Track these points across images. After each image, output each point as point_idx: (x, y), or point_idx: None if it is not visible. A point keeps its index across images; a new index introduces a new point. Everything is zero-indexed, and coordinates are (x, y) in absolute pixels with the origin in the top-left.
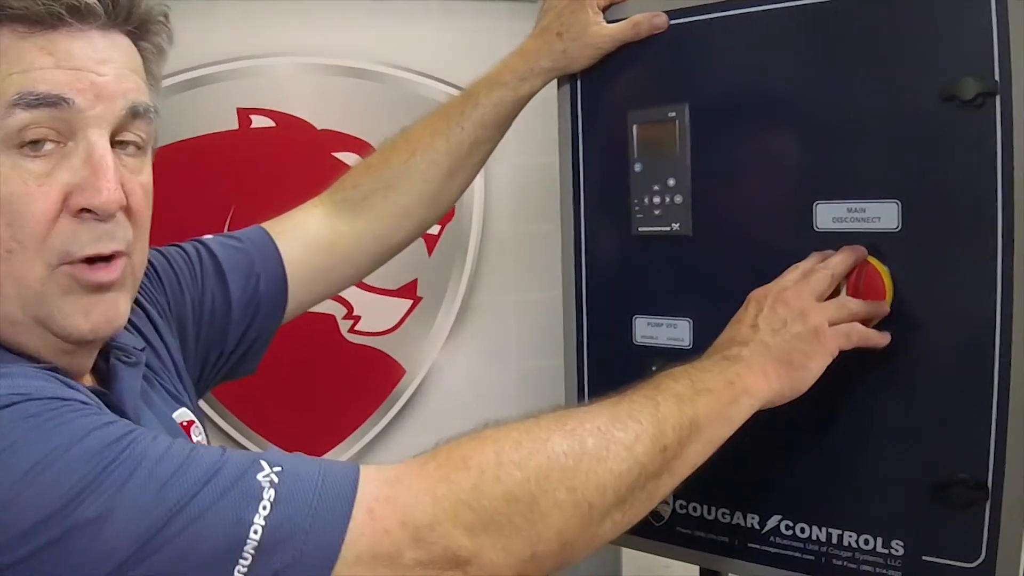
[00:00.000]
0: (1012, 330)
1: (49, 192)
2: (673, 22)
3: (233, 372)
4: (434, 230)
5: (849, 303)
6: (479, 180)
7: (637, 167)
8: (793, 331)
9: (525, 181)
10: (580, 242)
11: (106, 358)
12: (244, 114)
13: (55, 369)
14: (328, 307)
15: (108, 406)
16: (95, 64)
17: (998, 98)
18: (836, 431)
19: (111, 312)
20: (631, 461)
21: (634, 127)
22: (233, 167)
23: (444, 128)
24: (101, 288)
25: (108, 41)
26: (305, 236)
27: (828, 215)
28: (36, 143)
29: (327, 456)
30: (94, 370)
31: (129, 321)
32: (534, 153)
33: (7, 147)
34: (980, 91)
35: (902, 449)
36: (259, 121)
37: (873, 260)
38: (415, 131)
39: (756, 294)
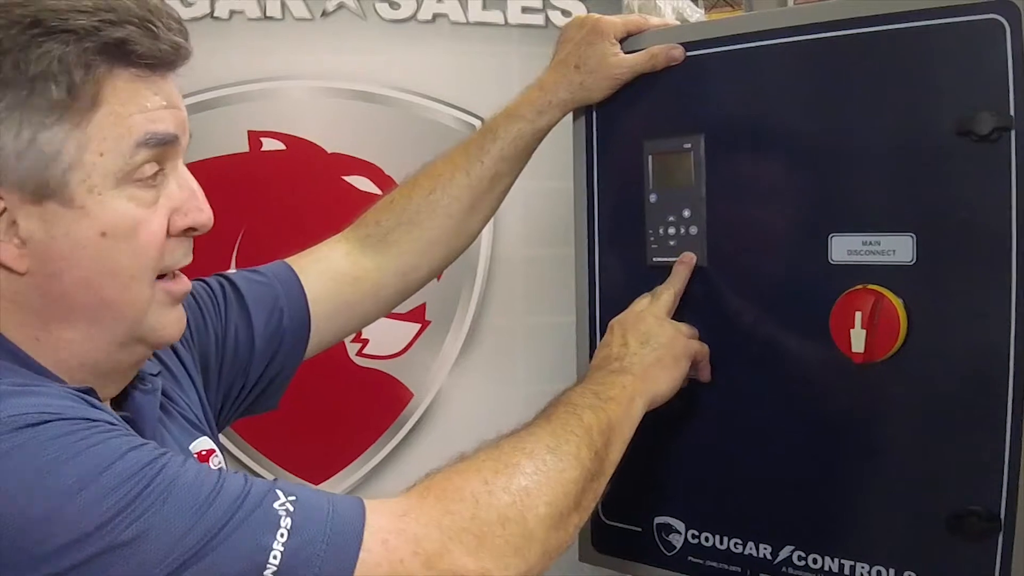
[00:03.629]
0: None
1: (160, 217)
2: (690, 54)
3: (254, 407)
4: None
5: (683, 326)
6: None
7: (652, 197)
8: (657, 342)
9: (535, 205)
10: (594, 271)
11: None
12: (255, 137)
13: (87, 391)
14: None
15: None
16: (179, 102)
17: (1013, 133)
18: (849, 462)
19: (185, 318)
20: (580, 468)
21: (649, 157)
22: (243, 190)
23: (464, 163)
24: (182, 297)
25: (174, 82)
26: (329, 272)
27: (843, 248)
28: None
29: (333, 479)
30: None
31: None
32: (544, 177)
33: (126, 181)
34: (996, 126)
35: (915, 480)
36: (270, 144)
37: (888, 293)
38: (436, 166)
39: (615, 321)
